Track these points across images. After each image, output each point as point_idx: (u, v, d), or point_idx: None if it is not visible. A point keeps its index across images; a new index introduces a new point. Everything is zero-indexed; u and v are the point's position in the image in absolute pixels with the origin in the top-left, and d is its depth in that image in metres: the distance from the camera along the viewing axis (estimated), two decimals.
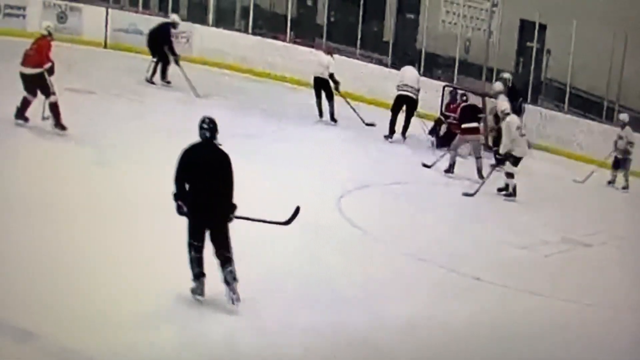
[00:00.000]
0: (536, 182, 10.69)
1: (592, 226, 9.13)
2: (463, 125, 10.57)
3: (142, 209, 7.18)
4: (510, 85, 10.91)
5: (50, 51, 9.25)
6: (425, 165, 10.42)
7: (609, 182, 11.06)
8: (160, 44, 12.37)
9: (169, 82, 12.49)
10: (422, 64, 13.33)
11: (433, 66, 13.65)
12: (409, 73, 11.51)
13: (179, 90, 12.28)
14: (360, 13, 13.97)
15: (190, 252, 5.74)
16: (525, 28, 13.38)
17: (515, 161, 9.71)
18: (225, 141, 10.03)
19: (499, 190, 9.85)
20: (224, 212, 5.69)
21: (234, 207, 5.74)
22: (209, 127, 5.72)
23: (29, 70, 9.14)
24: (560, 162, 12.11)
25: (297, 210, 6.09)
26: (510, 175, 9.71)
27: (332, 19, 14.81)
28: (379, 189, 9.49)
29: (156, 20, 14.89)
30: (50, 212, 7.04)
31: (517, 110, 10.60)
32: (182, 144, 5.85)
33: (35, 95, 9.20)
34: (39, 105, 9.33)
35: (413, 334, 6.03)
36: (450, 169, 10.33)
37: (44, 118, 9.23)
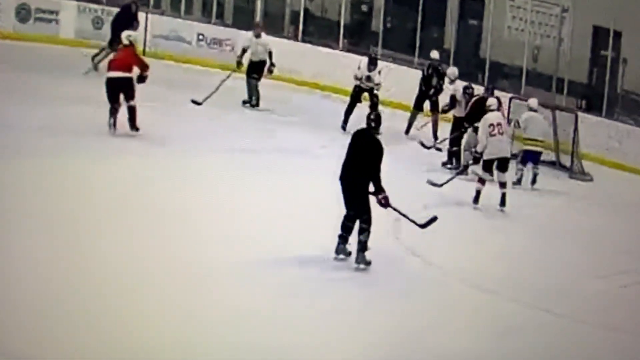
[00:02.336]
0: (611, 203, 10.61)
1: None
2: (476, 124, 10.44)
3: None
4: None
5: (138, 57, 10.53)
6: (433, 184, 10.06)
7: None
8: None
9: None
10: (487, 73, 13.32)
11: (498, 76, 13.60)
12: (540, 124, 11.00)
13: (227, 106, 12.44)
14: (419, 19, 14.00)
15: (344, 218, 7.35)
16: (599, 35, 13.26)
17: (500, 165, 9.57)
18: (277, 159, 10.37)
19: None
20: (364, 187, 7.19)
21: (381, 190, 7.16)
22: (373, 120, 7.49)
23: (117, 74, 10.13)
24: (638, 181, 11.96)
25: (435, 218, 7.60)
26: (501, 184, 9.58)
27: (388, 25, 14.85)
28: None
29: (199, 27, 15.30)
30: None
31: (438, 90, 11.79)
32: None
33: (118, 101, 10.15)
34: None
35: None
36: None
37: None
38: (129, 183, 8.58)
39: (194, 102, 11.81)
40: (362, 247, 7.29)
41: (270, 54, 12.59)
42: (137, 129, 10.28)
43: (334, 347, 6.08)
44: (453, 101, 11.16)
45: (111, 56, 11.59)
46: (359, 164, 7.22)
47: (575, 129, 11.61)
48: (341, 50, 14.61)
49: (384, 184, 7.21)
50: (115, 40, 12.58)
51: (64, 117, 10.44)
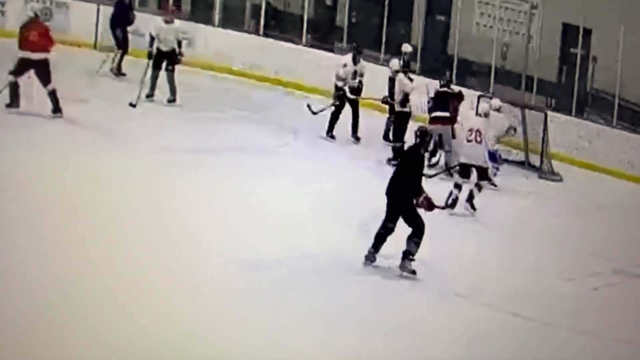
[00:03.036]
0: (581, 204, 10.66)
1: None
2: (433, 114, 10.70)
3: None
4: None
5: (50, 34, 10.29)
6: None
7: None
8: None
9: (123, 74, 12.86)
10: (454, 71, 13.32)
11: (467, 74, 13.62)
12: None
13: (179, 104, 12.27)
14: (385, 14, 13.97)
15: (380, 228, 7.66)
16: (569, 33, 13.35)
17: (462, 170, 9.60)
18: (235, 157, 10.27)
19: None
20: (411, 199, 7.55)
21: (422, 192, 7.56)
22: (420, 135, 7.86)
23: (35, 56, 10.01)
24: (608, 181, 12.05)
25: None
26: (456, 185, 9.58)
27: (353, 20, 14.81)
28: None
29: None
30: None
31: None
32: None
33: (20, 77, 10.17)
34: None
35: None
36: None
37: (54, 112, 10.37)
38: (77, 181, 8.41)
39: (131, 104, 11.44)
40: (410, 256, 7.58)
41: (179, 42, 12.05)
42: (60, 112, 10.28)
43: (305, 352, 6.02)
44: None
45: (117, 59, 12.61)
46: (405, 179, 7.60)
47: (545, 128, 11.67)
48: (304, 46, 14.53)
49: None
50: (119, 41, 13.07)
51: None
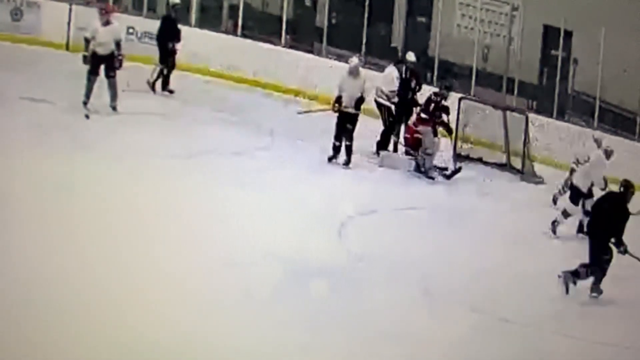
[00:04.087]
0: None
1: (628, 258, 9.21)
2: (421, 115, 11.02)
3: None
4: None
5: None
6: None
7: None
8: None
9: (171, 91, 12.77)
10: (436, 72, 13.45)
11: (448, 75, 13.73)
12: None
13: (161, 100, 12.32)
14: (366, 15, 14.01)
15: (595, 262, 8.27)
16: (550, 35, 13.48)
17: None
18: (211, 160, 10.31)
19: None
20: (608, 240, 8.28)
21: (622, 243, 8.25)
22: (625, 186, 8.48)
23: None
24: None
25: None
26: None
27: (333, 21, 14.83)
28: (387, 215, 9.58)
29: (128, 20, 15.00)
30: None
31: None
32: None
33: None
34: None
35: None
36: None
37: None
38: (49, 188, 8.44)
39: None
40: (599, 280, 8.23)
41: (118, 44, 11.43)
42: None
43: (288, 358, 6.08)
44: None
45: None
46: (608, 223, 8.24)
47: (526, 131, 11.80)
48: (284, 47, 14.58)
49: None
50: (164, 55, 12.83)
51: None
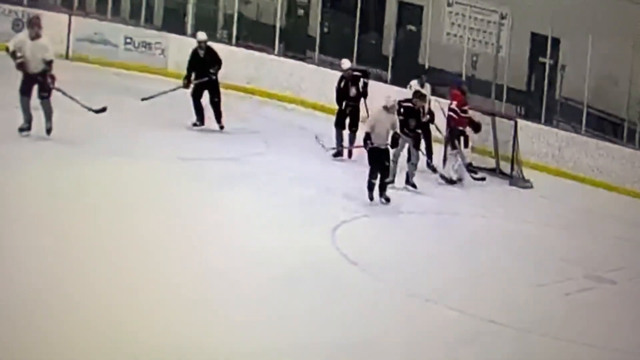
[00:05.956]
0: (552, 210, 10.76)
1: (617, 260, 9.17)
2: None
3: None
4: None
5: None
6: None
7: None
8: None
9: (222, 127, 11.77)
10: (425, 80, 13.37)
11: (438, 83, 13.69)
12: None
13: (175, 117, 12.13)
14: (357, 24, 14.02)
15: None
16: (537, 42, 13.47)
17: None
18: (207, 166, 10.26)
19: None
20: None
21: None
22: None
23: None
24: (578, 188, 12.18)
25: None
26: None
27: (325, 30, 14.86)
28: (377, 220, 9.51)
29: (127, 30, 14.97)
30: None
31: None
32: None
33: None
34: None
35: None
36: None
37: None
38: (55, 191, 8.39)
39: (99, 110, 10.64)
40: None
41: (49, 63, 9.64)
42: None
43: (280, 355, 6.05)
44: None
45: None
46: None
47: (515, 136, 11.78)
48: (277, 55, 14.54)
49: None
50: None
51: None
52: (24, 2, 14.80)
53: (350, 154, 11.41)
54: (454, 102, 11.40)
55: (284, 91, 13.99)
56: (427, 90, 11.70)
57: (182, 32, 15.07)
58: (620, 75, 12.31)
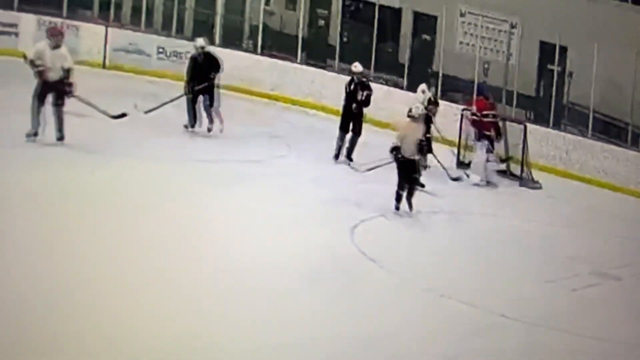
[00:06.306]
0: (560, 210, 10.63)
1: (622, 258, 9.02)
2: None
3: None
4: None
5: None
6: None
7: None
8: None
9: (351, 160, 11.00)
10: (440, 87, 13.33)
11: (451, 89, 13.64)
12: None
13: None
14: (375, 33, 13.97)
15: None
16: (546, 50, 13.37)
17: None
18: (233, 168, 10.24)
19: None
20: None
21: None
22: None
23: None
24: (584, 189, 12.02)
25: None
26: None
27: (345, 40, 14.82)
28: (394, 219, 9.43)
29: (159, 40, 15.01)
30: None
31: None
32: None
33: None
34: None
35: None
36: None
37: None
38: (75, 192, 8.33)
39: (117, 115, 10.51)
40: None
41: (68, 71, 9.59)
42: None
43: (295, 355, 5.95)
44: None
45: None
46: None
47: (525, 139, 11.66)
48: (299, 64, 14.52)
49: None
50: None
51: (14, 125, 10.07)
52: (63, 14, 14.86)
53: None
54: (474, 108, 11.29)
55: (305, 97, 13.96)
56: (431, 94, 11.56)
57: (211, 42, 15.04)
58: (625, 82, 12.21)
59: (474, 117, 11.30)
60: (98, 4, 15.85)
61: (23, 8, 14.51)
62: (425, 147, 9.78)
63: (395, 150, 9.36)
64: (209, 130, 11.53)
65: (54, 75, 9.55)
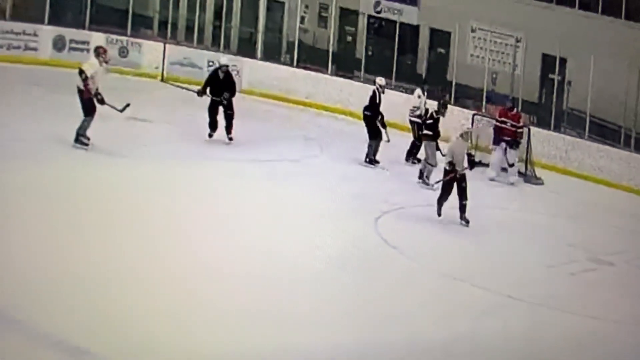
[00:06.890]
0: (560, 204, 10.58)
1: (615, 246, 8.96)
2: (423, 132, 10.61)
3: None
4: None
5: None
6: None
7: None
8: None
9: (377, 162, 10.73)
10: (453, 94, 13.33)
11: (463, 96, 13.67)
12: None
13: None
14: (396, 47, 14.00)
15: None
16: (547, 61, 13.28)
17: None
18: (273, 166, 10.31)
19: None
20: None
21: None
22: None
23: None
24: (582, 185, 11.91)
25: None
26: None
27: (369, 53, 14.85)
28: (413, 211, 9.45)
29: (209, 55, 15.12)
30: None
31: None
32: None
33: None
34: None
35: (450, 351, 6.00)
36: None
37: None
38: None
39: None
40: None
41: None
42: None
43: (321, 335, 6.00)
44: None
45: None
46: None
47: (529, 141, 11.63)
48: (330, 75, 14.59)
49: None
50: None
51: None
52: (127, 33, 15.09)
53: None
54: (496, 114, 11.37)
55: (335, 104, 14.01)
56: (424, 98, 11.50)
57: (253, 56, 15.21)
58: (618, 90, 12.11)
59: (497, 124, 11.22)
60: (157, 23, 16.02)
61: (93, 27, 14.75)
62: (474, 160, 9.50)
63: (450, 167, 9.01)
64: (230, 140, 10.87)
65: (94, 88, 9.61)
